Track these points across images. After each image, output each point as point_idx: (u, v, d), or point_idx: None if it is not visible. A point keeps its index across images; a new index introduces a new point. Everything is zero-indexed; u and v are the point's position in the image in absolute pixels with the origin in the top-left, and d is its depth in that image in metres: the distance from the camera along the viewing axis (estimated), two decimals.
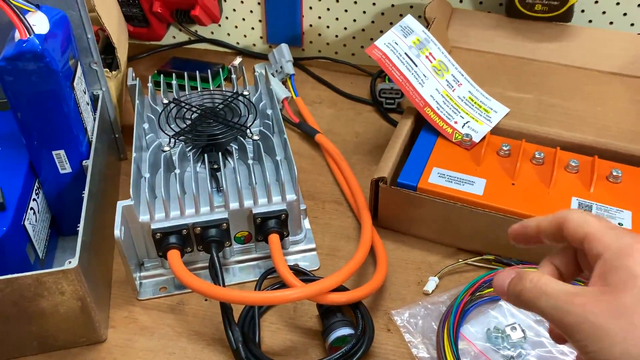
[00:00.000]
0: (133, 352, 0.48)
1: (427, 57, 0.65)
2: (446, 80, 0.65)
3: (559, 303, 0.29)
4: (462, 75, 0.66)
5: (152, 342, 0.49)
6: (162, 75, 0.68)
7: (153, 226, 0.51)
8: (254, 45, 0.91)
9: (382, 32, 0.84)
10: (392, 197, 0.57)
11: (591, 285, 0.29)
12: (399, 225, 0.59)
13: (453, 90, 0.65)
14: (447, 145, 0.61)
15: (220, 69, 0.81)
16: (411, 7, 0.82)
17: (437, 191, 0.55)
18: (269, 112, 0.61)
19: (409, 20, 0.66)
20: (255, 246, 0.56)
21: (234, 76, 0.67)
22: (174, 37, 0.93)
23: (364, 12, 0.84)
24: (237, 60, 0.83)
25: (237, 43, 0.91)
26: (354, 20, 0.85)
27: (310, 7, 0.85)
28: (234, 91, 0.64)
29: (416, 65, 0.64)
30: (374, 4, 0.82)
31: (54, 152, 0.52)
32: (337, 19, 0.85)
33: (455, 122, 0.63)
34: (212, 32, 0.91)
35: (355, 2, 0.83)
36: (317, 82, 0.85)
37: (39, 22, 0.49)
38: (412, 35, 0.65)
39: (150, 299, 0.53)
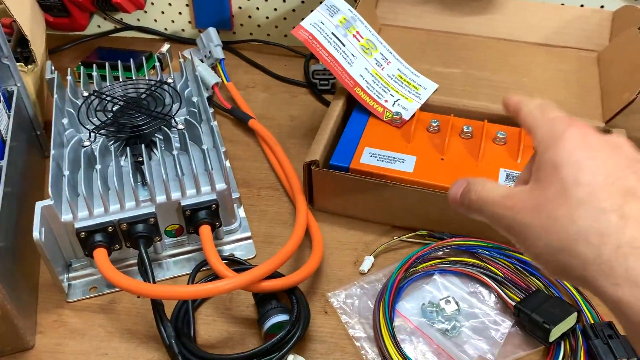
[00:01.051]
0: (63, 357, 0.47)
1: (354, 36, 0.64)
2: (375, 58, 0.65)
3: (495, 208, 0.30)
4: (391, 53, 0.66)
5: (84, 344, 0.48)
6: (82, 67, 0.65)
7: (77, 225, 0.49)
8: (183, 30, 0.88)
9: (311, 11, 0.83)
10: (325, 180, 0.57)
11: (529, 184, 0.29)
12: (334, 207, 0.59)
13: (382, 69, 0.65)
14: (379, 125, 0.61)
15: (147, 57, 0.78)
16: None
17: (368, 171, 0.55)
18: (195, 99, 0.60)
19: None
20: (187, 239, 0.55)
21: (157, 64, 0.65)
22: (99, 26, 0.89)
23: None
24: (165, 47, 0.81)
25: (165, 29, 0.88)
26: (284, 1, 0.83)
27: None
28: (158, 79, 0.62)
29: (344, 45, 0.63)
30: None
31: None
32: (266, 0, 0.84)
33: (386, 101, 0.63)
34: (139, 20, 0.88)
35: None
36: (249, 65, 0.83)
37: None
38: (339, 14, 0.64)
39: (80, 300, 0.51)
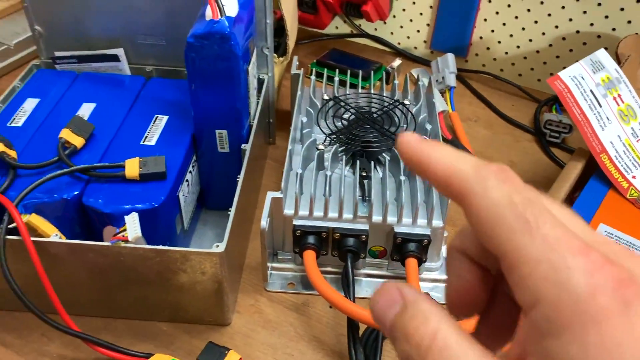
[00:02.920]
0: (254, 344, 0.49)
1: (614, 98, 0.58)
2: (631, 127, 0.58)
3: None
4: None
5: (273, 337, 0.49)
6: (325, 70, 0.67)
7: (295, 222, 0.51)
8: (415, 48, 0.88)
9: (558, 57, 0.78)
10: None
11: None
12: None
13: (637, 141, 0.58)
14: (619, 201, 0.55)
15: (376, 69, 0.79)
16: (599, 36, 0.74)
17: None
18: (428, 127, 0.58)
19: (602, 54, 0.59)
20: (388, 264, 0.54)
21: (396, 82, 0.65)
22: (336, 27, 0.92)
23: (543, 33, 0.77)
24: (397, 62, 0.81)
25: (399, 43, 0.89)
26: (530, 40, 0.79)
27: (485, 19, 0.80)
28: (395, 98, 0.62)
29: (600, 106, 0.57)
30: (556, 26, 0.76)
31: (217, 131, 0.54)
32: (511, 35, 0.80)
33: (634, 177, 0.56)
34: (376, 29, 0.90)
35: (536, 22, 0.77)
36: (475, 98, 0.80)
37: (229, 3, 0.50)
38: (602, 72, 0.58)
39: (277, 292, 0.53)
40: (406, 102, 0.61)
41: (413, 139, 0.19)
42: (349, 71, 0.67)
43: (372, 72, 0.70)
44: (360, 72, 0.68)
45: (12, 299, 0.42)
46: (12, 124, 0.55)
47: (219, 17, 0.47)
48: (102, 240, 0.48)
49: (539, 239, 0.16)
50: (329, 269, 0.55)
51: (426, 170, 0.19)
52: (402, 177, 0.52)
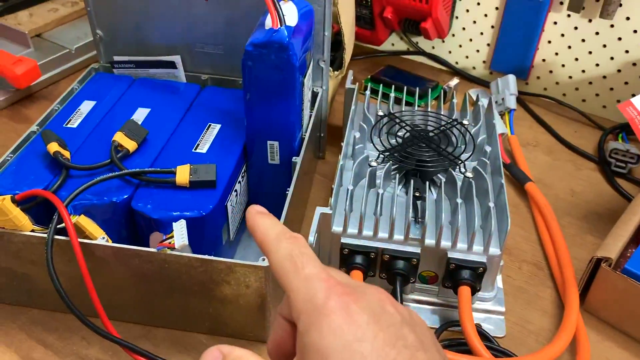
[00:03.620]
0: None
1: None
2: None
3: None
4: None
5: None
6: (381, 85, 0.65)
7: (343, 240, 0.49)
8: (474, 68, 0.85)
9: (627, 84, 0.74)
10: (612, 283, 0.48)
11: None
12: (609, 317, 0.50)
13: None
14: None
15: (432, 87, 0.77)
16: None
17: None
18: (487, 149, 0.56)
19: None
20: (438, 290, 0.52)
21: (455, 100, 0.62)
22: (392, 44, 0.91)
23: (612, 58, 0.74)
24: (454, 82, 0.79)
25: (456, 63, 0.86)
26: (597, 65, 0.75)
27: (549, 41, 0.77)
28: (453, 118, 0.59)
29: None
30: (626, 51, 0.72)
31: (268, 142, 0.53)
32: (576, 59, 0.76)
33: None
34: (433, 47, 0.88)
35: (605, 46, 0.73)
36: (535, 122, 0.77)
37: (289, 13, 0.49)
38: None
39: None
40: (464, 121, 0.59)
41: (253, 211, 0.28)
42: (405, 88, 0.65)
43: (429, 90, 0.68)
44: (417, 89, 0.66)
45: (55, 300, 0.42)
46: (68, 125, 0.56)
47: (279, 26, 0.46)
48: (147, 245, 0.48)
49: (302, 276, 0.24)
50: None
51: (253, 234, 0.27)
52: (459, 200, 0.50)
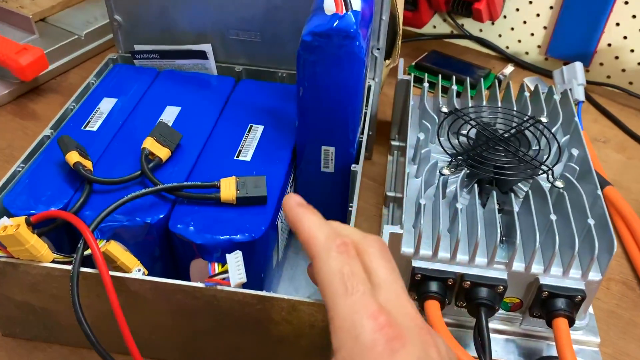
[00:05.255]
0: None
1: None
2: None
3: None
4: None
5: None
6: (425, 74, 0.57)
7: (415, 264, 0.42)
8: (527, 53, 0.77)
9: None
10: None
11: None
12: None
13: None
14: None
15: (484, 76, 0.69)
16: None
17: None
18: (575, 152, 0.48)
19: None
20: (522, 319, 0.45)
21: (526, 94, 0.55)
22: (434, 26, 0.83)
23: None
24: (508, 69, 0.71)
25: (507, 47, 0.78)
26: None
27: (618, 24, 0.69)
28: (531, 115, 0.52)
29: None
30: None
31: (323, 147, 0.45)
32: None
33: None
34: (481, 30, 0.79)
35: None
36: (601, 114, 0.69)
37: None
38: None
39: None
40: (543, 119, 0.51)
41: (292, 202, 0.28)
42: (453, 77, 0.57)
43: (481, 80, 0.60)
44: (468, 78, 0.58)
45: (80, 335, 0.35)
46: (87, 128, 0.48)
47: (344, 11, 0.38)
48: (187, 272, 0.41)
49: (349, 302, 0.24)
50: (446, 319, 0.45)
51: (296, 230, 0.27)
52: (553, 217, 0.42)
